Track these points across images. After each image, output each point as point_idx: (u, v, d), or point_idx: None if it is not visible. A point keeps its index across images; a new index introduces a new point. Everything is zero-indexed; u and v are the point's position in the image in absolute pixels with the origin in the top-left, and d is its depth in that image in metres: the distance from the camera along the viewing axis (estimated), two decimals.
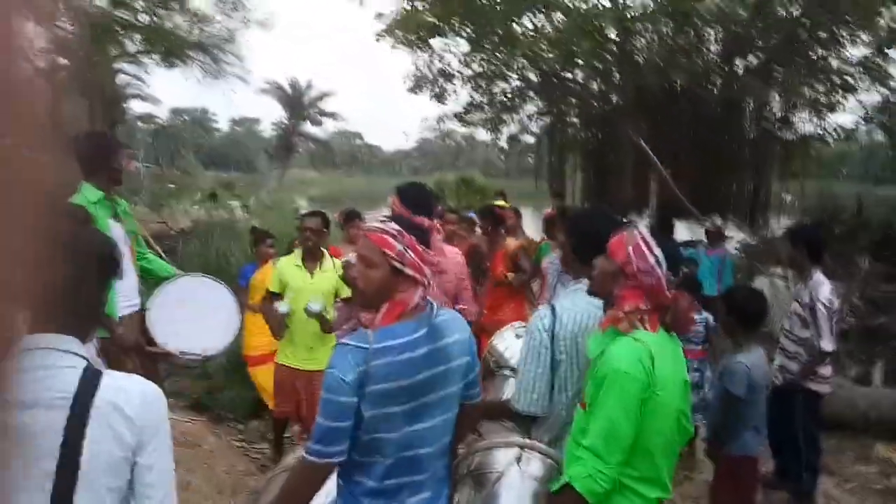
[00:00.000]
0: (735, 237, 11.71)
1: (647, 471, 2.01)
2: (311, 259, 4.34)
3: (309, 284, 4.26)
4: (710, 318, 5.02)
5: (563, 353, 2.39)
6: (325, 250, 4.43)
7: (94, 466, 1.30)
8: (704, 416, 4.27)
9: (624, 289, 2.04)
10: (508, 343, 3.73)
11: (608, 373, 1.95)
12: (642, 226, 2.15)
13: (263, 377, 4.99)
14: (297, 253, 4.41)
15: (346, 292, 4.15)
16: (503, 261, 5.66)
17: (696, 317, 4.77)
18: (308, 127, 46.32)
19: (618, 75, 13.06)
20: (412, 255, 1.84)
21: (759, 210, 13.38)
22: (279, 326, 4.30)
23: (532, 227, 9.60)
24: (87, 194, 3.29)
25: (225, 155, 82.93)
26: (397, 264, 1.83)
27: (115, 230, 3.30)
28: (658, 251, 2.02)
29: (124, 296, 3.47)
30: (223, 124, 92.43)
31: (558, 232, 5.21)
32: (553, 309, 2.45)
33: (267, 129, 66.76)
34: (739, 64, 12.47)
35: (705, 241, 7.50)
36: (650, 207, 10.68)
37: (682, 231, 14.99)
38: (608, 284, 2.10)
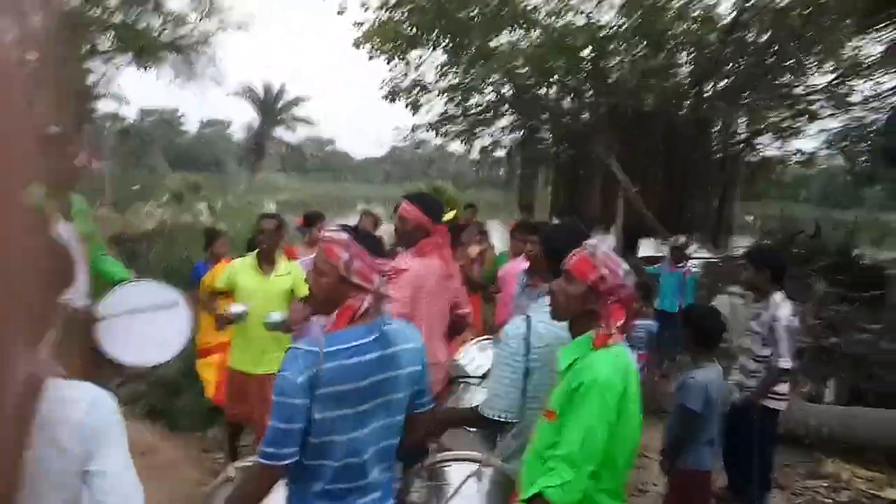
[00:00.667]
0: (697, 255, 11.97)
1: (610, 482, 2.05)
2: (267, 261, 4.33)
3: (263, 287, 4.23)
4: (654, 325, 5.15)
5: (538, 362, 2.43)
6: (280, 253, 4.43)
7: (39, 483, 1.23)
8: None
9: (607, 306, 2.10)
10: (473, 356, 3.79)
11: (586, 382, 1.98)
12: (601, 242, 2.21)
13: (205, 368, 5.02)
14: (254, 255, 4.39)
15: (304, 292, 4.16)
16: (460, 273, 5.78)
17: (639, 322, 4.89)
18: (280, 131, 45.99)
19: (590, 93, 13.29)
20: (359, 263, 1.93)
21: (722, 229, 13.70)
22: (222, 323, 4.35)
23: (500, 238, 9.69)
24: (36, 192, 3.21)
25: (193, 157, 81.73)
26: (343, 273, 1.92)
27: (65, 231, 3.21)
28: (625, 265, 2.11)
29: (72, 299, 3.40)
30: (193, 126, 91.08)
31: (520, 242, 5.30)
32: (528, 319, 2.50)
33: (238, 132, 66.10)
34: (709, 87, 12.80)
35: (669, 258, 7.65)
36: (616, 224, 10.85)
37: (647, 248, 15.30)
38: (574, 306, 2.12)
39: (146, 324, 3.60)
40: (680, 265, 7.44)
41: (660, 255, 12.88)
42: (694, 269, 8.62)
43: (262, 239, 4.32)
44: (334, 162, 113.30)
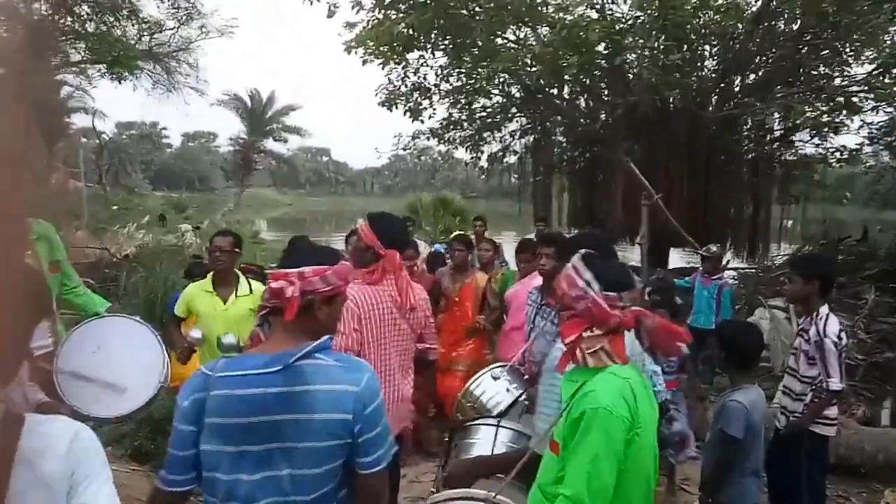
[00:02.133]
0: (733, 266, 11.91)
1: None
2: (224, 284, 4.32)
3: (221, 312, 4.24)
4: (685, 347, 5.09)
5: None
6: (239, 273, 4.43)
7: None
8: (676, 452, 4.37)
9: (562, 323, 2.11)
10: (486, 387, 3.74)
11: (587, 411, 1.95)
12: (578, 254, 2.20)
13: None
14: (209, 278, 4.40)
15: None
16: (471, 296, 5.80)
17: None
18: (269, 143, 46.31)
19: (607, 92, 13.33)
20: (271, 280, 1.96)
21: (758, 236, 13.64)
22: (185, 354, 4.37)
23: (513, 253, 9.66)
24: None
25: (176, 173, 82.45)
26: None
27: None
28: (588, 274, 2.08)
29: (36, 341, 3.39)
30: (175, 139, 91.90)
31: (527, 260, 5.28)
32: None
33: (224, 145, 66.58)
34: (737, 82, 12.81)
35: (701, 269, 7.61)
36: (642, 233, 10.83)
37: (677, 259, 15.23)
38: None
39: (112, 365, 3.58)
40: (714, 277, 7.41)
41: (692, 266, 12.85)
42: (730, 282, 8.58)
43: (215, 259, 4.34)
44: (330, 174, 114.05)
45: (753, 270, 12.21)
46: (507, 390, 3.69)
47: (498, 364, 3.99)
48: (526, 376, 3.79)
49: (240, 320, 4.22)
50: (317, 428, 1.82)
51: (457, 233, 7.86)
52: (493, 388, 3.70)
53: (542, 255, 3.95)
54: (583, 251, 2.16)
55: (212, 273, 4.41)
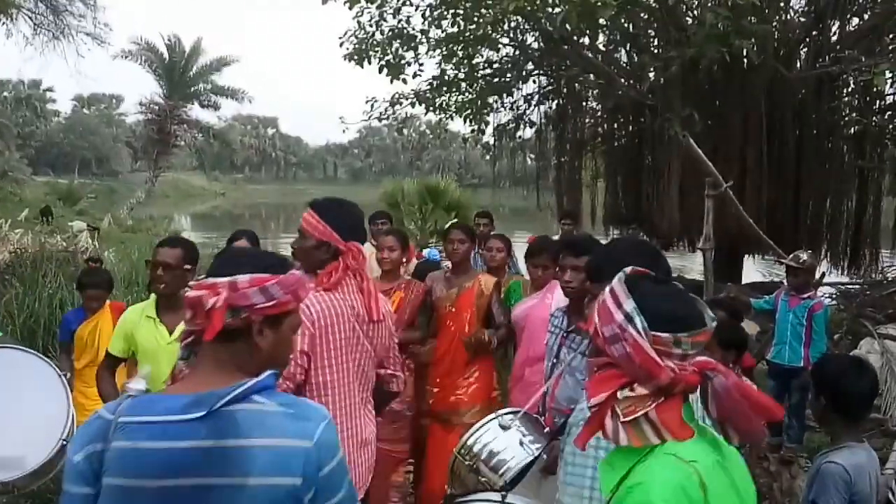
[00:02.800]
0: (830, 280, 11.93)
1: None
2: (169, 308, 4.31)
3: (166, 347, 4.22)
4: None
5: None
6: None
7: None
8: None
9: (592, 374, 1.96)
10: (491, 440, 3.69)
11: None
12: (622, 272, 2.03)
13: None
14: (151, 301, 4.39)
15: None
16: (471, 304, 5.59)
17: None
18: (195, 110, 46.25)
19: (657, 42, 13.36)
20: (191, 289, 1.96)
21: (864, 240, 13.68)
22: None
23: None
24: None
25: (66, 152, 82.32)
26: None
27: None
28: (629, 303, 1.89)
29: None
30: (64, 105, 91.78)
31: (541, 269, 5.26)
32: None
33: (131, 113, 66.42)
34: (833, 28, 12.88)
35: (786, 285, 7.64)
36: (706, 237, 10.84)
37: (754, 271, 15.25)
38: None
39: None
40: (804, 296, 7.43)
41: (775, 280, 12.84)
42: (826, 301, 8.61)
43: (157, 280, 4.32)
44: (277, 153, 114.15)
45: (858, 286, 12.23)
46: (521, 445, 3.66)
47: (509, 410, 3.95)
48: (546, 429, 3.79)
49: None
50: (252, 496, 1.78)
51: (452, 221, 7.81)
52: (502, 442, 3.65)
53: (566, 268, 3.94)
54: (629, 269, 2.00)
55: (154, 295, 4.40)
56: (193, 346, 1.97)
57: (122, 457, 1.77)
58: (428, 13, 13.55)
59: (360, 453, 3.40)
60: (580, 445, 1.99)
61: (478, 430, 3.69)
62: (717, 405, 1.87)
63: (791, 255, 7.51)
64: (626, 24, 12.63)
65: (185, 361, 2.01)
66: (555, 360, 3.98)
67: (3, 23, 16.61)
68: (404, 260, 5.72)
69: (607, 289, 1.94)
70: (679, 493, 1.77)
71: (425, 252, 8.69)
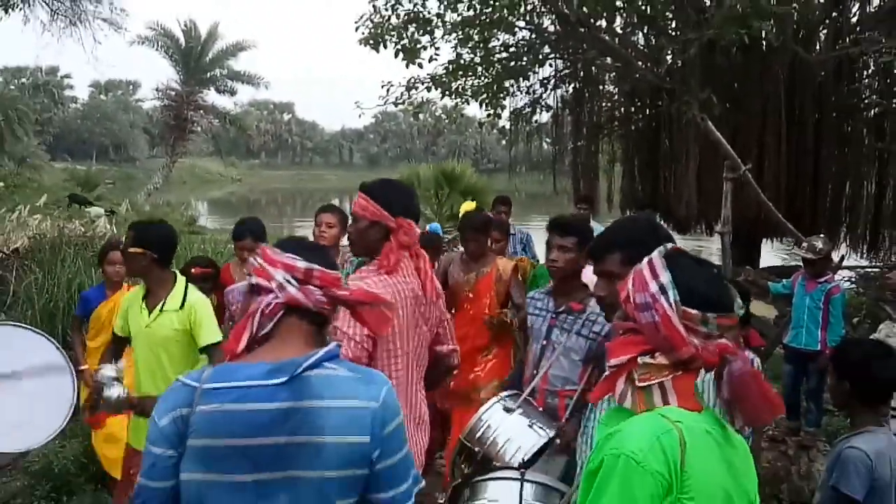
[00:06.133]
0: (848, 264, 11.85)
1: None
2: (154, 291, 4.33)
3: (143, 330, 4.26)
4: (757, 360, 5.08)
5: None
6: (178, 277, 4.41)
7: None
8: None
9: (615, 337, 2.01)
10: (496, 425, 3.68)
11: (606, 458, 1.83)
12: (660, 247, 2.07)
13: (105, 442, 5.14)
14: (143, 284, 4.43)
15: (204, 337, 4.16)
16: (490, 289, 5.62)
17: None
18: (211, 95, 46.32)
19: (675, 24, 13.27)
20: (259, 259, 2.10)
21: (884, 224, 13.60)
22: (87, 404, 4.34)
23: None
24: None
25: (84, 138, 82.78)
26: (248, 277, 2.12)
27: None
28: (665, 275, 1.94)
29: None
30: (82, 91, 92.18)
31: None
32: None
33: (148, 99, 66.81)
34: (855, 9, 12.76)
35: (805, 269, 7.59)
36: (724, 220, 10.79)
37: (771, 255, 15.18)
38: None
39: (5, 393, 3.61)
40: (822, 280, 7.39)
41: (791, 264, 12.78)
42: (844, 285, 8.55)
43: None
44: (294, 139, 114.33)
45: (877, 270, 12.16)
46: (531, 427, 3.65)
47: (509, 392, 3.93)
48: (541, 409, 3.80)
49: (162, 343, 4.20)
50: (328, 453, 1.92)
51: (466, 206, 7.77)
52: (508, 426, 3.63)
53: (553, 247, 3.96)
54: (669, 245, 2.07)
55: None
56: (269, 318, 2.07)
57: (208, 419, 1.89)
58: None
59: (417, 431, 3.43)
60: (593, 400, 2.14)
61: (481, 416, 3.68)
62: (730, 389, 1.88)
63: (807, 245, 7.43)
64: (643, 6, 12.55)
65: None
66: (544, 343, 3.99)
67: (21, 9, 16.64)
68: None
69: (645, 259, 1.99)
70: (654, 442, 1.79)
71: (430, 226, 8.67)
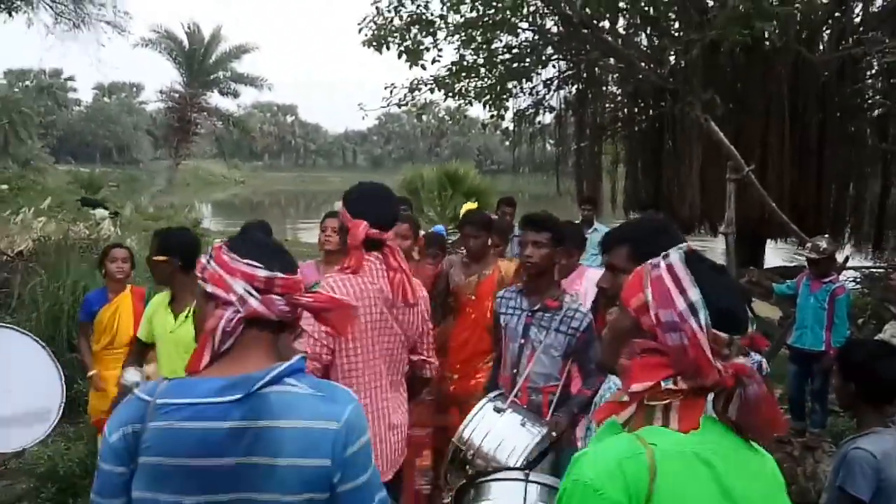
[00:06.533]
0: (853, 265, 11.83)
1: None
2: (181, 296, 4.38)
3: (169, 335, 4.31)
4: (764, 361, 5.08)
5: None
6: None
7: None
8: None
9: (634, 356, 1.84)
10: (488, 427, 3.66)
11: (568, 484, 1.76)
12: (677, 251, 1.89)
13: None
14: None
15: None
16: (492, 292, 5.59)
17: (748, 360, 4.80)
18: (214, 97, 46.39)
19: (678, 25, 13.26)
20: (213, 265, 1.98)
21: (888, 224, 13.58)
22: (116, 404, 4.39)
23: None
24: None
25: (87, 140, 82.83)
26: (200, 282, 2.00)
27: None
28: (695, 292, 1.78)
29: None
30: (85, 94, 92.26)
31: (571, 253, 5.24)
32: None
33: (152, 101, 66.76)
34: (857, 9, 12.74)
35: (809, 269, 7.58)
36: (728, 221, 10.79)
37: (776, 255, 15.16)
38: (619, 348, 1.93)
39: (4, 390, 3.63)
40: (827, 280, 7.37)
41: (795, 265, 12.75)
42: (848, 285, 8.53)
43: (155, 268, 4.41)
44: (297, 141, 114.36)
45: (881, 270, 12.15)
46: (523, 426, 3.65)
47: (495, 393, 3.89)
48: (524, 407, 3.81)
49: (188, 348, 4.22)
50: (283, 476, 1.84)
51: (467, 206, 7.74)
52: (501, 427, 3.63)
53: (528, 243, 3.97)
54: (683, 246, 1.92)
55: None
56: (231, 335, 1.97)
57: (159, 436, 1.83)
58: None
59: (388, 436, 3.41)
60: (597, 420, 1.91)
61: (472, 419, 3.68)
62: (740, 411, 1.79)
63: (811, 246, 7.41)
64: (646, 7, 12.56)
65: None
66: (522, 341, 4.02)
67: (25, 12, 16.67)
68: (416, 249, 5.70)
69: (663, 263, 1.84)
70: (614, 469, 1.69)
71: (435, 227, 8.69)
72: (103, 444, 1.87)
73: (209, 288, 1.97)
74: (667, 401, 1.76)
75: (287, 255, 2.09)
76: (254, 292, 1.94)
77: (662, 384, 1.76)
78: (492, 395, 3.83)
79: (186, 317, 4.24)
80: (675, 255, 1.86)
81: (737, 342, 1.78)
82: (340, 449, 1.89)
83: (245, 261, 1.97)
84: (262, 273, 1.96)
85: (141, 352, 4.54)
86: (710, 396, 1.84)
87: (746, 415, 1.78)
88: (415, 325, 3.53)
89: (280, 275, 1.97)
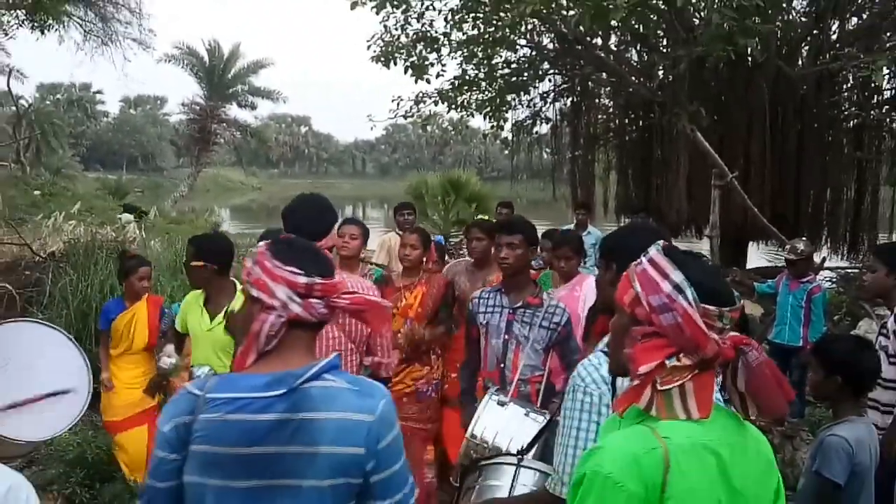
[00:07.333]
0: (829, 265, 11.83)
1: None
2: (217, 296, 4.40)
3: (205, 334, 4.34)
4: None
5: None
6: (237, 283, 4.45)
7: None
8: None
9: (635, 343, 1.84)
10: (492, 420, 3.67)
11: (587, 475, 1.76)
12: (656, 246, 1.92)
13: (132, 445, 5.17)
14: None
15: None
16: None
17: None
18: (233, 110, 46.37)
19: (666, 42, 13.26)
20: (258, 270, 2.01)
21: (862, 227, 13.57)
22: (153, 385, 4.59)
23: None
24: None
25: (114, 149, 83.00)
26: (246, 284, 2.04)
27: None
28: (678, 274, 1.80)
29: None
30: (112, 106, 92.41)
31: (570, 257, 5.23)
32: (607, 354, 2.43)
33: (174, 113, 66.81)
34: (834, 27, 12.73)
35: (788, 270, 7.58)
36: (712, 225, 10.78)
37: (758, 256, 15.16)
38: (618, 347, 1.93)
39: (22, 378, 3.64)
40: (804, 280, 7.37)
41: (775, 265, 12.76)
42: (825, 285, 8.53)
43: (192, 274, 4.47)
44: (310, 150, 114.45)
45: (856, 271, 12.13)
46: (527, 416, 3.64)
47: (494, 388, 3.88)
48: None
49: (223, 347, 4.25)
50: (322, 464, 1.91)
51: (478, 217, 7.73)
52: (504, 419, 3.63)
53: (503, 245, 4.07)
54: (661, 243, 1.92)
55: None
56: (274, 337, 2.02)
57: (209, 427, 1.90)
58: (450, 17, 13.52)
59: None
60: (619, 410, 1.89)
61: (482, 413, 3.68)
62: (748, 380, 1.81)
63: (790, 247, 7.41)
64: (636, 25, 12.53)
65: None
66: (506, 337, 4.10)
67: (56, 30, 16.69)
68: (425, 259, 5.61)
69: (645, 259, 1.87)
70: (631, 463, 1.71)
71: (436, 237, 8.70)
72: (157, 433, 1.93)
73: (254, 292, 2.01)
74: (678, 381, 1.76)
75: (325, 259, 2.13)
76: (296, 298, 1.98)
77: (667, 362, 1.77)
78: (491, 390, 3.84)
79: (222, 318, 4.28)
80: (653, 250, 1.89)
81: (727, 314, 1.79)
82: (374, 441, 1.96)
83: (288, 268, 1.99)
84: (303, 280, 1.99)
85: (179, 340, 4.71)
86: (719, 379, 1.86)
87: (755, 383, 1.79)
88: (359, 328, 3.53)
89: (319, 280, 2.02)
